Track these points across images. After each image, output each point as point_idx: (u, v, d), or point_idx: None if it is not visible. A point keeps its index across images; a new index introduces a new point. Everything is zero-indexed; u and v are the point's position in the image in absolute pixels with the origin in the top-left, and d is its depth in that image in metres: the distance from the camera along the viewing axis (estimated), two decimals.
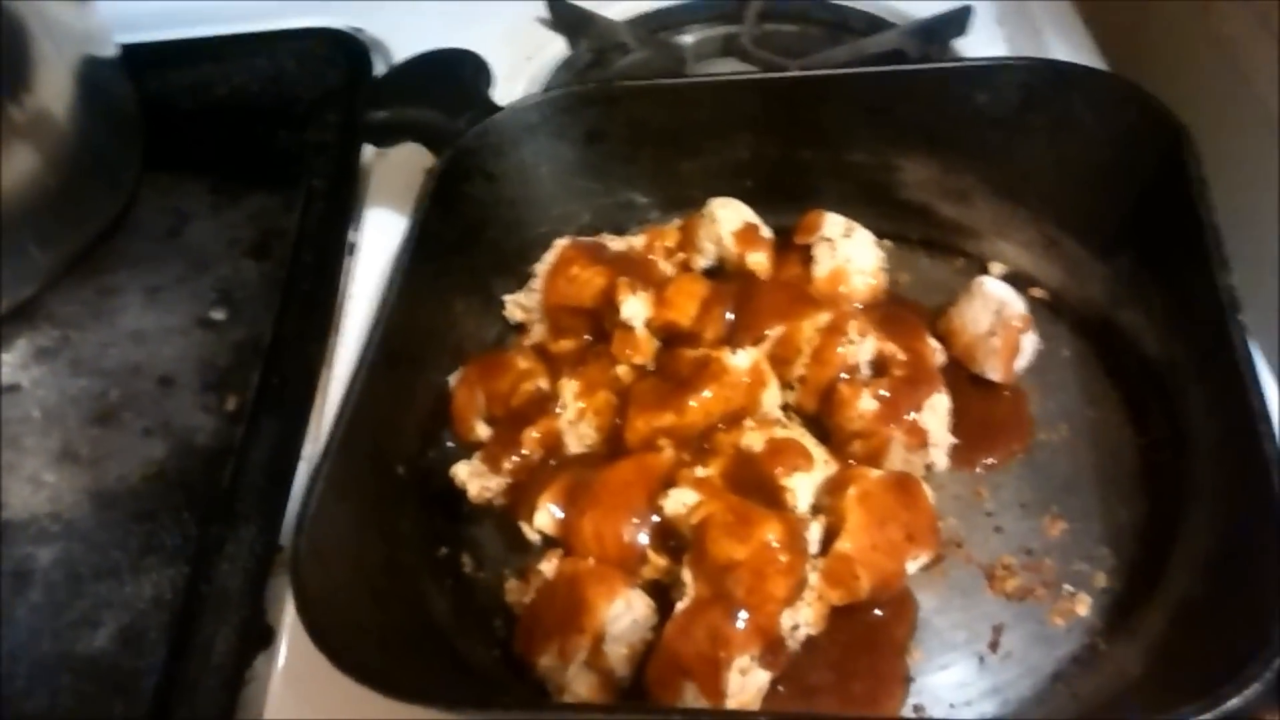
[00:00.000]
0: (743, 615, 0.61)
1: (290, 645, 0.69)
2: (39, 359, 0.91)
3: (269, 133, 0.88)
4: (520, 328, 0.82)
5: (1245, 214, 0.73)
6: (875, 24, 1.06)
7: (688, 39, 1.11)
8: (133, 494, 0.82)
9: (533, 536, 0.69)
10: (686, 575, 0.63)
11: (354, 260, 0.91)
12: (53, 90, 0.93)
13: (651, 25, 1.11)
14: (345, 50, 1.14)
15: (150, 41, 1.13)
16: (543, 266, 0.81)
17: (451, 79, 0.88)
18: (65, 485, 0.83)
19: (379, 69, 1.10)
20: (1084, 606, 0.65)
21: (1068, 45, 0.99)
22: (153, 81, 1.09)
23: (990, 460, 0.72)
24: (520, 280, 0.83)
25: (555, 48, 1.10)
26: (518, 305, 0.82)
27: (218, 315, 0.93)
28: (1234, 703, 0.49)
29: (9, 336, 0.92)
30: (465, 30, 1.05)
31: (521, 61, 1.07)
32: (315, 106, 0.86)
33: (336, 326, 0.86)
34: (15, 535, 0.80)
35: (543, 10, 1.12)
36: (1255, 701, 0.50)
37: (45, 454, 0.85)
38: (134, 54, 1.07)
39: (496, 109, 0.83)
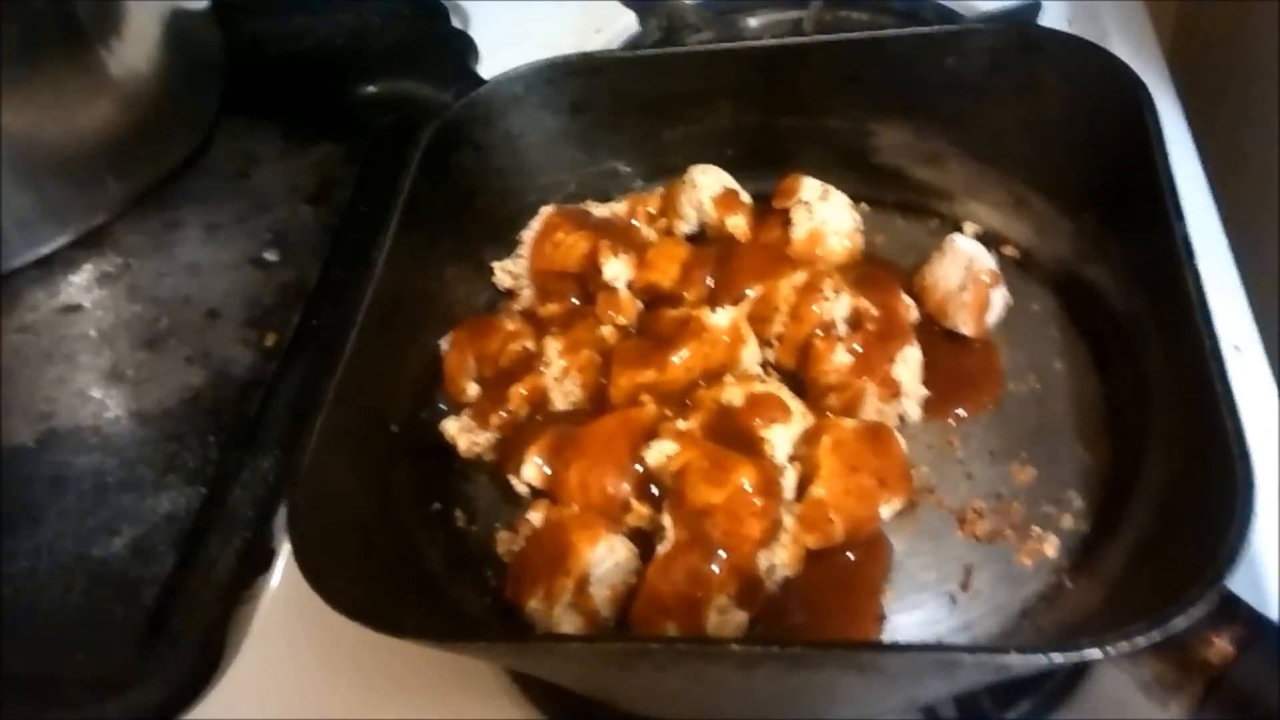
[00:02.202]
0: (720, 556, 0.63)
1: (286, 571, 0.75)
2: (101, 283, 0.98)
3: (345, 85, 0.92)
4: (510, 293, 0.85)
5: None
6: (946, 16, 1.08)
7: (754, 22, 1.13)
8: (167, 415, 0.87)
9: (521, 488, 0.72)
10: (666, 520, 0.65)
11: None
12: (141, 38, 1.00)
13: (720, 7, 1.12)
14: (426, 10, 1.18)
15: None
16: (529, 234, 0.83)
17: (439, 55, 0.91)
18: (109, 402, 0.89)
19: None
20: (1051, 547, 0.67)
21: (1133, 46, 1.00)
22: (243, 30, 1.14)
23: (962, 411, 0.75)
24: (509, 247, 0.85)
25: (624, 22, 1.13)
26: (506, 271, 0.84)
27: (270, 256, 0.98)
28: (1178, 622, 0.51)
29: (78, 260, 0.99)
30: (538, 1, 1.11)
31: (590, 34, 1.11)
32: (391, 62, 0.90)
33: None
34: (59, 444, 0.86)
35: None
36: (1200, 623, 0.52)
37: (95, 371, 0.91)
38: (226, 3, 1.13)
39: (483, 82, 0.86)
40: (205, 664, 0.74)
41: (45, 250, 0.98)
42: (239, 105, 1.11)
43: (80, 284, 0.98)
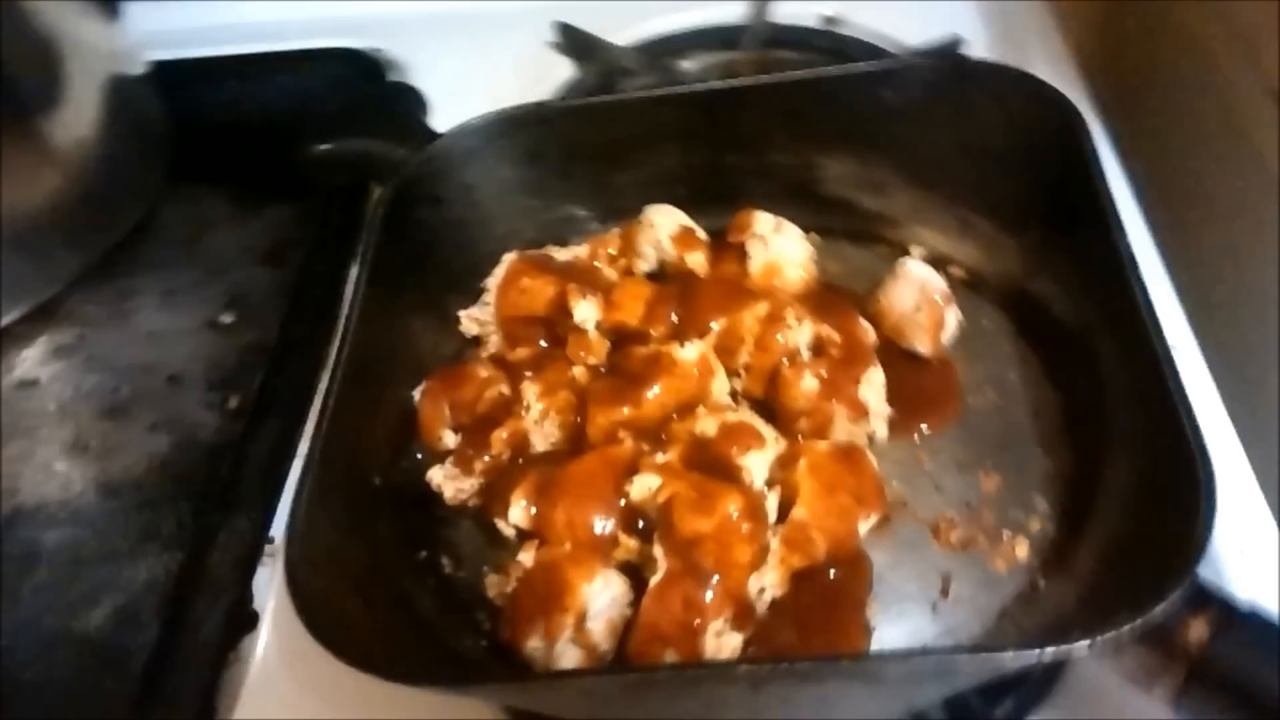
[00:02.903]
0: (713, 582, 0.65)
1: (273, 630, 0.75)
2: (57, 355, 0.97)
3: (290, 147, 0.93)
4: (476, 341, 0.86)
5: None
6: (873, 51, 1.12)
7: (689, 64, 1.16)
8: (136, 484, 0.87)
9: (508, 531, 0.73)
10: (658, 551, 0.67)
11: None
12: (81, 106, 0.99)
13: (656, 51, 1.16)
14: (365, 70, 1.20)
15: (181, 59, 1.19)
16: (494, 281, 0.85)
17: (390, 111, 0.93)
18: (75, 474, 0.88)
19: None
20: (1023, 550, 0.71)
21: (1054, 70, 1.04)
22: (183, 97, 1.14)
23: (926, 427, 0.78)
24: (473, 296, 0.86)
25: (562, 71, 1.16)
26: (473, 319, 0.86)
27: (227, 319, 0.99)
28: (1159, 612, 0.54)
29: (31, 334, 0.98)
30: (478, 54, 1.16)
31: (531, 84, 1.13)
32: (335, 122, 0.91)
33: (338, 334, 0.90)
34: (26, 520, 0.85)
35: (552, 35, 1.18)
36: (1176, 612, 0.56)
37: (58, 444, 0.90)
38: (166, 71, 1.13)
39: (437, 136, 0.88)
40: None
41: None
42: (186, 172, 1.11)
43: (36, 357, 0.97)
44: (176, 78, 1.15)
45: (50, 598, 0.80)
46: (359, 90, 1.15)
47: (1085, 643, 0.54)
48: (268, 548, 0.81)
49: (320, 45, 1.24)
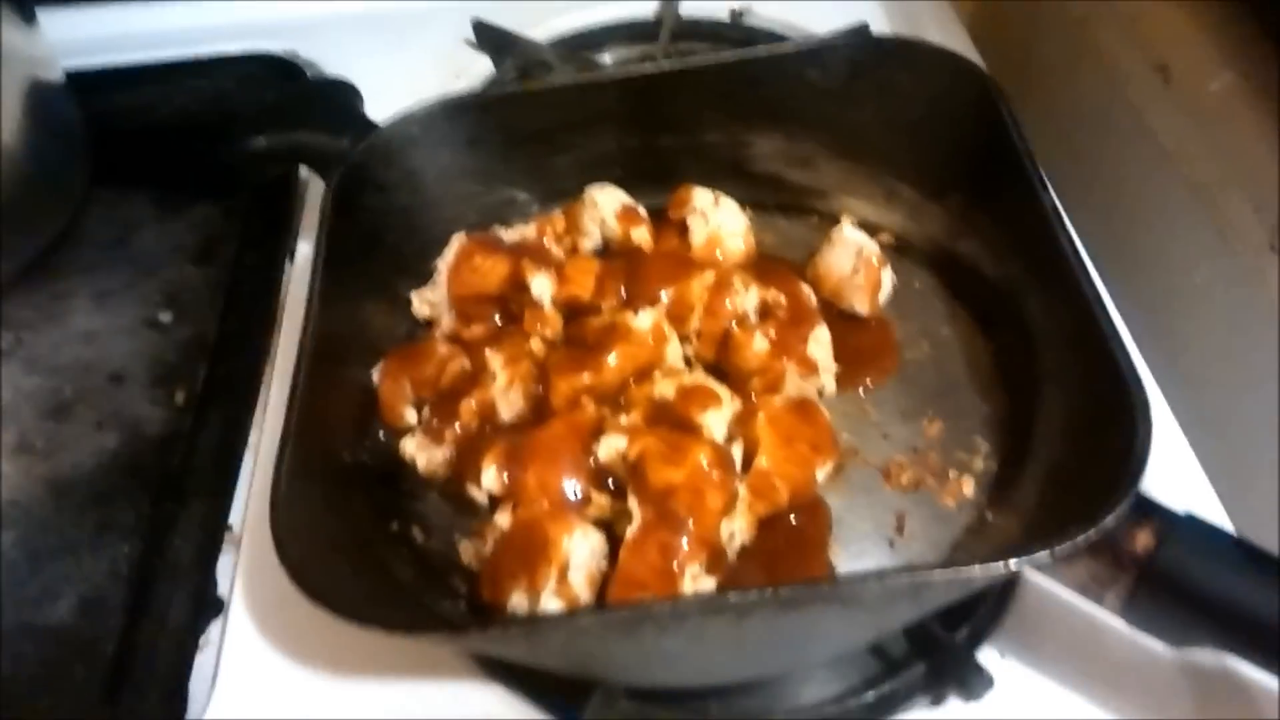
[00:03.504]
0: (688, 528, 0.69)
1: (241, 613, 0.76)
2: None
3: (210, 149, 0.94)
4: (428, 322, 0.88)
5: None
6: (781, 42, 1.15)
7: (607, 57, 1.20)
8: (87, 480, 0.88)
9: (480, 498, 0.75)
10: (632, 504, 0.70)
11: (294, 264, 0.99)
12: (1, 114, 0.97)
13: (573, 44, 1.19)
14: (281, 72, 1.22)
15: (96, 67, 1.19)
16: (444, 262, 0.87)
17: (328, 104, 0.94)
18: (21, 474, 0.89)
19: None
20: (969, 487, 0.76)
21: (953, 44, 1.08)
22: (99, 103, 1.13)
23: (869, 380, 0.82)
24: (422, 278, 0.88)
25: (481, 67, 1.18)
26: (424, 300, 0.87)
27: (164, 317, 1.00)
28: (1109, 521, 0.59)
29: None
30: (395, 53, 1.18)
31: (450, 80, 1.15)
32: (253, 124, 0.92)
33: (279, 325, 0.93)
34: None
35: (469, 33, 1.19)
36: (1122, 523, 0.60)
37: (2, 447, 0.90)
38: (81, 78, 1.12)
39: (375, 126, 0.89)
40: (172, 713, 0.74)
41: None
42: (107, 176, 1.11)
43: None
44: (93, 84, 1.15)
45: (9, 593, 0.81)
46: (290, 87, 1.16)
47: (1045, 552, 0.58)
48: (227, 536, 0.81)
49: (235, 50, 1.25)
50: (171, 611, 0.78)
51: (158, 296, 1.01)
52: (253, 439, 0.87)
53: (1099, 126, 1.05)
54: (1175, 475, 0.79)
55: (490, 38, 1.18)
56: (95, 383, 0.94)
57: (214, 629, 0.77)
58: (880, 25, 1.16)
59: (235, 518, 0.83)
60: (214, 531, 0.82)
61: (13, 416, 0.92)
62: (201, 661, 0.75)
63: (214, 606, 0.78)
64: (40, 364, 0.95)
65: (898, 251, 0.90)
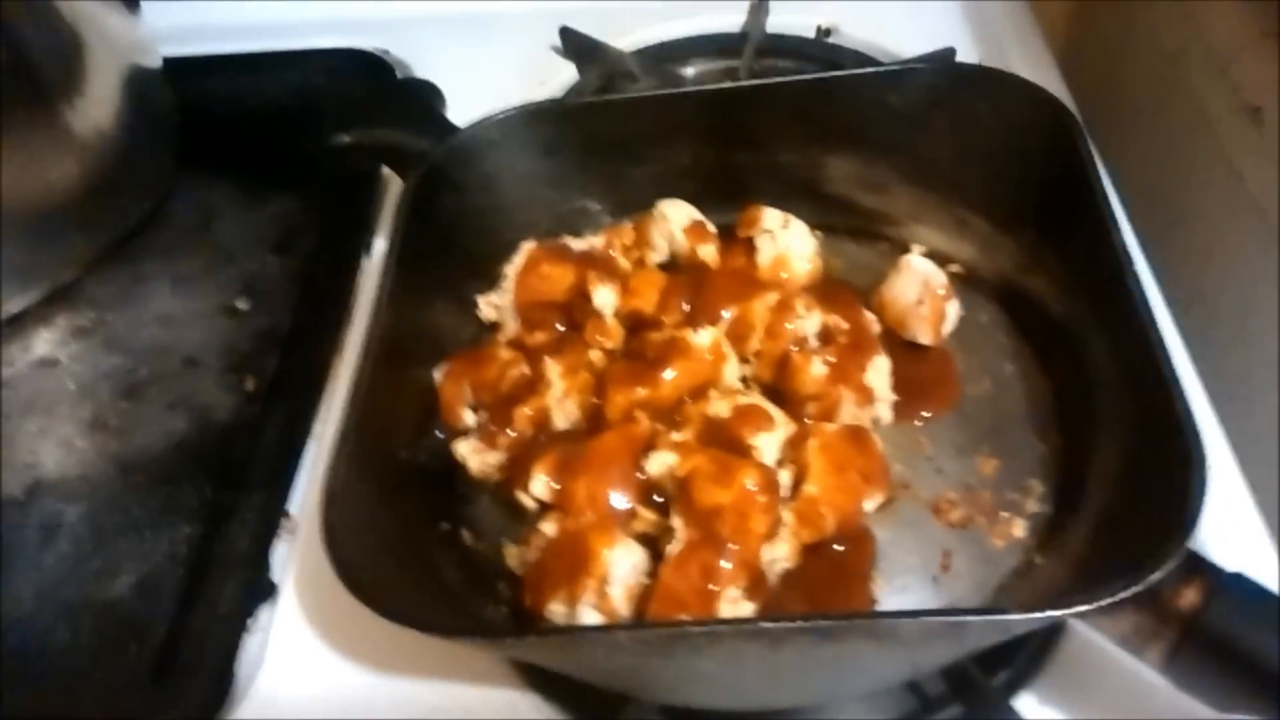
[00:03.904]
0: (730, 551, 0.69)
1: (292, 600, 0.78)
2: (76, 336, 1.00)
3: (295, 141, 0.97)
4: (493, 326, 0.90)
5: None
6: (866, 62, 1.15)
7: (690, 70, 1.20)
8: (155, 461, 0.90)
9: (529, 504, 0.76)
10: (677, 521, 0.71)
11: (370, 259, 1.01)
12: (102, 94, 1.02)
13: (657, 56, 1.19)
14: (370, 69, 1.24)
15: (192, 55, 1.22)
16: (513, 267, 0.88)
17: (411, 104, 0.96)
18: (94, 451, 0.91)
19: None
20: (1019, 529, 0.75)
21: (1039, 77, 1.04)
22: (192, 90, 1.17)
23: (926, 413, 0.82)
24: (490, 282, 0.90)
25: (565, 74, 1.19)
26: (490, 304, 0.89)
27: (241, 304, 1.02)
28: (1155, 575, 0.58)
29: (50, 315, 1.01)
30: (482, 56, 1.20)
31: (535, 86, 1.17)
32: (338, 120, 0.94)
33: (351, 319, 0.96)
34: (47, 492, 0.89)
35: (556, 39, 1.21)
36: (1169, 578, 0.59)
37: (78, 422, 0.93)
38: (176, 65, 1.16)
39: (456, 129, 0.91)
40: (218, 695, 0.76)
41: (15, 308, 0.99)
42: (194, 161, 1.14)
43: (54, 339, 0.99)
44: (187, 71, 1.18)
45: (73, 566, 0.83)
46: (375, 85, 1.18)
47: (1086, 605, 0.58)
48: (285, 523, 0.83)
49: (326, 45, 1.27)
50: (224, 598, 0.80)
51: (236, 284, 1.03)
52: (317, 430, 0.89)
53: (1185, 167, 1.03)
54: (1232, 531, 0.77)
55: (576, 45, 1.19)
56: (169, 366, 0.97)
57: (264, 613, 0.79)
58: (968, 52, 1.14)
59: (294, 506, 0.85)
60: (272, 519, 0.84)
61: (90, 394, 0.95)
62: (249, 644, 0.78)
63: (266, 591, 0.80)
64: (119, 344, 0.98)
65: (966, 283, 0.89)
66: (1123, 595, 0.58)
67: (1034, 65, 1.12)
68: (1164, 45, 1.08)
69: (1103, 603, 0.58)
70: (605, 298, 0.83)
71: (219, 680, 0.76)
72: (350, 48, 1.27)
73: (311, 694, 0.74)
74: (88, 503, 0.87)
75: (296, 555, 0.81)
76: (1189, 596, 0.60)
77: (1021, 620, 0.59)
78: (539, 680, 0.72)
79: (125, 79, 1.05)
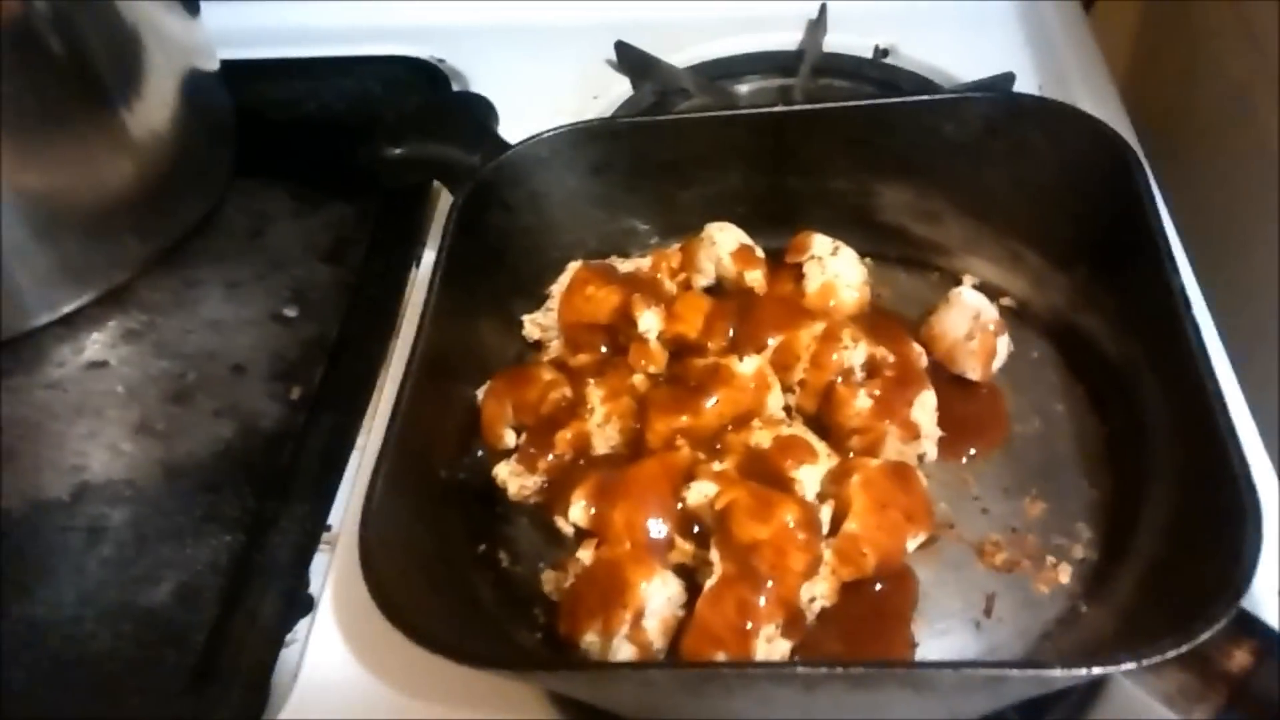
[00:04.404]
0: (767, 587, 0.68)
1: (329, 614, 0.77)
2: (126, 340, 1.01)
3: (350, 148, 0.97)
4: (537, 345, 0.89)
5: None
6: (924, 85, 1.14)
7: (744, 88, 1.20)
8: (200, 467, 0.90)
9: (567, 529, 0.76)
10: (714, 555, 0.70)
11: (419, 272, 1.01)
12: (159, 97, 1.02)
13: (711, 73, 1.19)
14: (425, 77, 1.25)
15: (249, 59, 1.23)
16: (558, 288, 0.88)
17: (463, 119, 0.96)
18: (141, 455, 0.91)
19: None
20: (1065, 575, 0.73)
21: (1101, 107, 1.05)
22: (248, 94, 1.18)
23: (973, 450, 0.80)
24: (536, 301, 0.90)
25: (620, 89, 1.19)
26: (535, 324, 0.89)
27: (290, 312, 1.02)
28: (1207, 634, 0.57)
29: (101, 318, 1.02)
30: (538, 67, 1.20)
31: (589, 100, 1.17)
32: (392, 133, 0.95)
33: (398, 331, 0.96)
34: (93, 495, 0.89)
35: (611, 53, 1.21)
36: (1219, 637, 0.58)
37: (125, 425, 0.94)
38: (233, 68, 1.16)
39: (508, 146, 0.91)
40: (254, 707, 0.76)
41: (68, 309, 1.01)
42: (248, 167, 1.15)
43: (105, 341, 1.00)
44: (244, 74, 1.19)
45: (116, 571, 0.84)
46: (428, 97, 1.18)
47: (1132, 663, 0.56)
48: (325, 535, 0.83)
49: (383, 52, 1.28)
50: (264, 609, 0.80)
51: (286, 291, 1.04)
52: (360, 442, 0.89)
53: (1250, 200, 1.01)
54: None
55: (631, 60, 1.19)
56: (218, 372, 0.97)
57: (301, 627, 0.79)
58: (1027, 77, 1.12)
59: (335, 518, 0.84)
60: (313, 531, 0.84)
61: (138, 398, 0.95)
62: (285, 657, 0.78)
63: (304, 604, 0.80)
64: (168, 348, 0.99)
65: (1018, 318, 0.87)
66: (1170, 654, 0.56)
67: (1095, 94, 1.10)
68: (1230, 76, 1.05)
69: (1148, 661, 0.56)
70: (650, 321, 0.83)
71: (256, 691, 0.76)
72: (407, 55, 1.27)
73: (344, 710, 0.73)
74: (132, 507, 0.88)
75: (335, 569, 0.81)
76: (1239, 658, 0.59)
77: (1064, 676, 0.57)
78: (573, 710, 0.72)
79: (183, 81, 1.06)
